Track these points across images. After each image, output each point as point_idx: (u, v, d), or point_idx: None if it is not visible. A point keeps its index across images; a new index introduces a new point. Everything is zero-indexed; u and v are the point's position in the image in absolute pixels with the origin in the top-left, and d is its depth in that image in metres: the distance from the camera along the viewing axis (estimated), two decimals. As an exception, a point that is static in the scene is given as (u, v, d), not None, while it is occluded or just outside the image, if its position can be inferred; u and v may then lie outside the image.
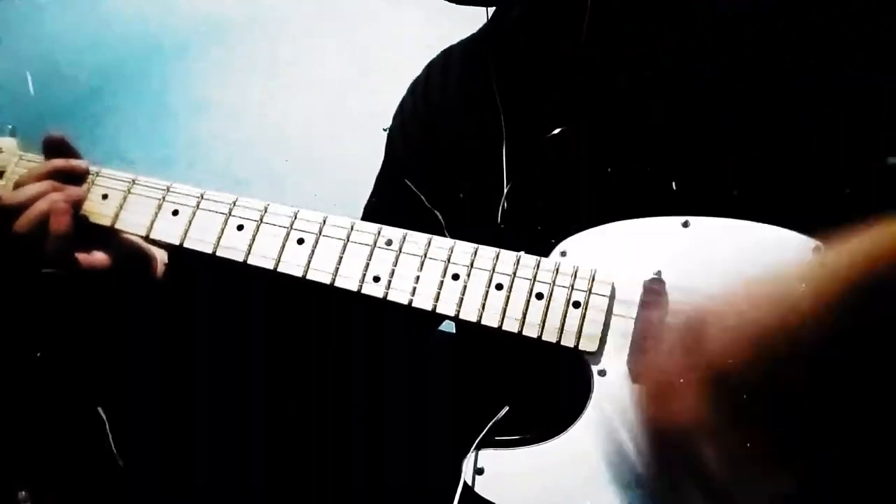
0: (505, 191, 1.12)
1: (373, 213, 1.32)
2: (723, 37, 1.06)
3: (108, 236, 1.15)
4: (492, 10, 1.23)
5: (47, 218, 1.08)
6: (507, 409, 1.04)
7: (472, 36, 1.32)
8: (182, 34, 2.38)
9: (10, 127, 1.19)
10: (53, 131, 1.16)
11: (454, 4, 1.20)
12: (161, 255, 1.22)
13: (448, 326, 1.26)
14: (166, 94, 2.37)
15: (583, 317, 1.02)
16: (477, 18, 1.30)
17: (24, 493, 1.48)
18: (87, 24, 2.41)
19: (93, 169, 1.15)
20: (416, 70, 1.39)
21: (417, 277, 1.06)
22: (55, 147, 1.15)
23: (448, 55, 1.35)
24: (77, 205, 1.11)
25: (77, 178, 1.14)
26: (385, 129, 1.40)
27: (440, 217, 1.21)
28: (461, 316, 1.04)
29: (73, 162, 1.14)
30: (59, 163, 1.13)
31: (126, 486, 1.39)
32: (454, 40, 1.35)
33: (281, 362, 1.33)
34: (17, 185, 1.12)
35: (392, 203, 1.31)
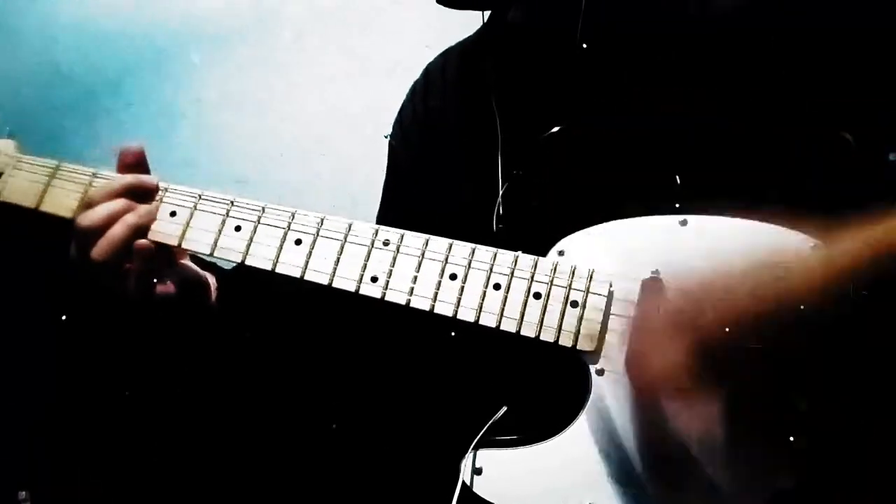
0: (500, 192, 1.12)
1: (383, 220, 1.31)
2: (720, 34, 1.06)
3: (167, 262, 1.12)
4: (487, 12, 1.23)
5: (127, 243, 1.05)
6: (505, 409, 1.04)
7: (470, 38, 1.32)
8: (182, 34, 2.38)
9: (7, 129, 1.19)
10: (132, 144, 1.13)
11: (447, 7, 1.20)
12: (212, 280, 1.20)
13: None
14: (165, 93, 2.37)
15: (580, 316, 1.01)
16: (475, 19, 1.30)
17: (24, 493, 1.49)
18: (87, 24, 2.41)
19: (162, 185, 1.13)
20: (416, 70, 1.39)
21: (415, 277, 1.06)
22: (132, 162, 1.12)
23: (446, 57, 1.35)
24: (150, 224, 1.08)
25: (148, 195, 1.11)
26: (386, 137, 1.40)
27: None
28: (459, 316, 1.04)
29: (145, 178, 1.11)
30: (130, 179, 1.10)
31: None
32: (453, 40, 1.35)
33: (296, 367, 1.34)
34: (89, 204, 1.08)
35: (400, 212, 1.31)
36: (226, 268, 1.16)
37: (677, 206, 1.02)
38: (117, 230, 1.05)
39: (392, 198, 1.38)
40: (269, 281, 1.08)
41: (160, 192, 1.12)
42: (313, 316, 1.23)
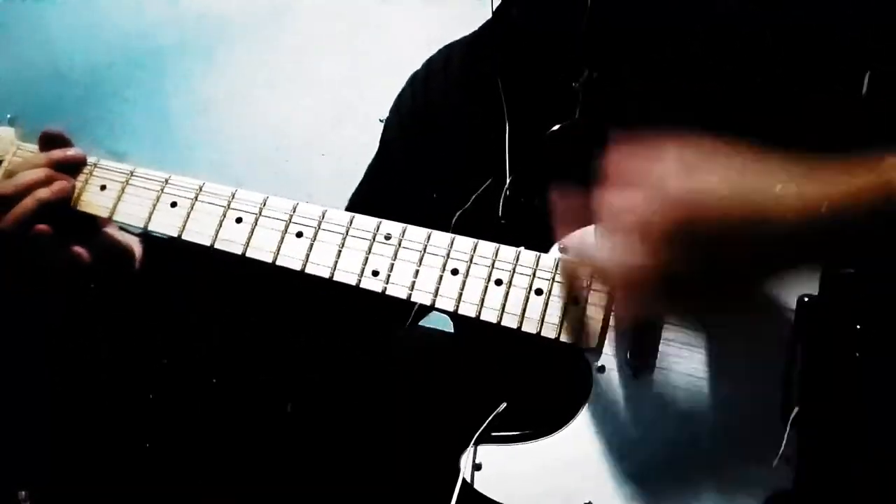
0: (506, 185, 1.11)
1: (361, 200, 1.32)
2: (724, 30, 1.06)
3: (89, 230, 1.13)
4: (496, 3, 1.23)
5: (33, 216, 1.06)
6: (505, 404, 1.03)
7: (474, 32, 1.32)
8: (181, 33, 2.38)
9: (8, 116, 1.19)
10: (52, 126, 1.14)
11: None
12: (137, 247, 1.21)
13: (446, 325, 1.26)
14: (165, 93, 2.37)
15: (582, 313, 1.01)
16: (475, 20, 1.31)
17: (24, 493, 1.48)
18: (87, 24, 2.41)
19: (91, 160, 1.14)
20: (414, 69, 1.39)
21: (417, 272, 1.05)
22: (52, 141, 1.14)
23: (449, 51, 1.35)
24: (65, 199, 1.09)
25: (74, 168, 1.13)
26: (381, 120, 1.40)
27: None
28: (460, 311, 1.03)
29: (71, 152, 1.13)
30: (56, 154, 1.12)
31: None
32: (454, 37, 1.35)
33: (265, 355, 1.33)
34: (10, 175, 1.10)
35: (381, 193, 1.31)
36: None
37: None
38: (27, 202, 1.06)
39: (374, 180, 1.37)
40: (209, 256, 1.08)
41: (89, 167, 1.13)
42: (304, 306, 1.22)
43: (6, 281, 1.18)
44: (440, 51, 1.36)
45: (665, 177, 0.86)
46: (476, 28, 1.31)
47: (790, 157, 0.86)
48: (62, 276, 1.12)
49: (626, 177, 0.88)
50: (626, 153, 0.89)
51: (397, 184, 1.30)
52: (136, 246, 1.21)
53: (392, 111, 1.38)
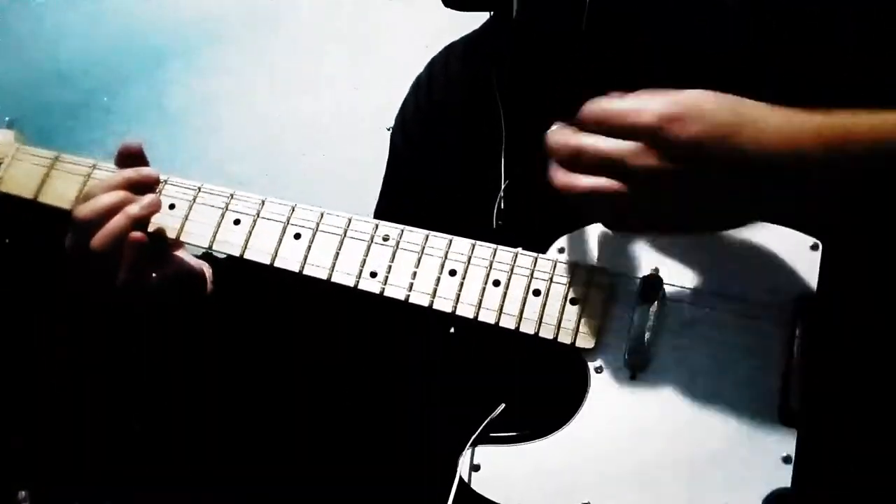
0: (502, 187, 1.11)
1: (381, 213, 1.32)
2: (723, 31, 1.06)
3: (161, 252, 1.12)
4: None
5: (126, 234, 1.03)
6: (503, 405, 1.04)
7: (473, 33, 1.32)
8: (182, 34, 2.38)
9: (7, 119, 1.19)
10: (130, 140, 1.12)
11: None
12: (208, 271, 1.20)
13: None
14: (165, 94, 2.37)
15: (580, 313, 1.01)
16: (475, 20, 1.30)
17: (24, 493, 1.48)
18: (87, 23, 2.41)
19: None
20: (416, 68, 1.39)
21: (414, 273, 1.05)
22: (130, 156, 1.11)
23: (449, 52, 1.35)
24: (155, 213, 1.08)
25: (148, 188, 1.10)
26: (388, 129, 1.40)
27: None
28: (458, 312, 1.03)
29: (145, 171, 1.11)
30: (130, 173, 1.09)
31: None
32: (454, 38, 1.35)
33: (293, 362, 1.33)
34: (87, 197, 1.07)
35: (399, 203, 1.31)
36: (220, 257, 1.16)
37: None
38: (119, 220, 1.04)
39: (391, 191, 1.38)
40: (265, 272, 1.07)
41: (160, 185, 1.12)
42: (310, 309, 1.22)
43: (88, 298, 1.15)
44: (441, 52, 1.36)
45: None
46: (476, 28, 1.31)
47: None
48: (142, 295, 1.09)
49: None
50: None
51: (411, 192, 1.30)
52: (206, 269, 1.20)
53: (397, 119, 1.38)
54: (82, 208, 1.06)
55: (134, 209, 1.06)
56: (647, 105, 0.85)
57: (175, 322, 1.17)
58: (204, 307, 1.17)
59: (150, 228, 1.09)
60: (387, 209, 1.33)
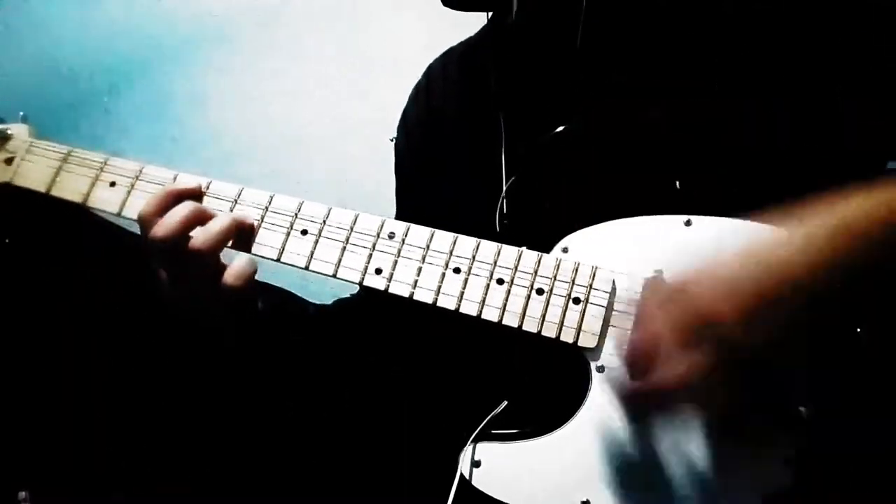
0: (504, 189, 1.12)
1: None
2: (720, 34, 1.07)
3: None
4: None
5: (230, 232, 1.04)
6: (505, 403, 1.04)
7: (471, 37, 1.34)
8: (182, 33, 2.39)
9: (21, 114, 1.21)
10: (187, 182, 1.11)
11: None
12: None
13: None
14: (166, 93, 2.38)
15: (583, 313, 1.02)
16: (475, 20, 1.31)
17: (24, 493, 1.48)
18: (87, 23, 2.43)
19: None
20: (416, 70, 1.40)
21: (419, 270, 1.06)
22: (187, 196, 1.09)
23: (447, 57, 1.36)
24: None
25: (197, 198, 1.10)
26: (391, 140, 1.41)
27: None
28: (462, 310, 1.04)
29: (186, 187, 1.09)
30: (177, 190, 1.08)
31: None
32: (453, 41, 1.36)
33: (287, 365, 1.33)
34: (144, 219, 1.05)
35: (412, 215, 1.31)
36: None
37: (682, 206, 1.02)
38: (224, 220, 1.04)
39: (402, 201, 1.39)
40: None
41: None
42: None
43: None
44: (438, 57, 1.37)
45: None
46: (474, 32, 1.33)
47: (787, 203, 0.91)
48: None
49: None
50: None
51: (419, 196, 1.31)
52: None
53: (399, 129, 1.39)
54: (159, 227, 1.03)
55: (236, 214, 1.07)
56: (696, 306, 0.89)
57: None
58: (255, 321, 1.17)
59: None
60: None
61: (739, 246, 0.94)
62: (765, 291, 0.88)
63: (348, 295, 1.29)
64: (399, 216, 1.35)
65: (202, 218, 1.05)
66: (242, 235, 1.07)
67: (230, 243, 1.07)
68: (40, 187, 1.17)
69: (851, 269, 0.90)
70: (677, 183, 1.04)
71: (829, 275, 0.89)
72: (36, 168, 1.18)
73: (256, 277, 1.06)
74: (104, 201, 1.14)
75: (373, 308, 1.23)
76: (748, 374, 0.92)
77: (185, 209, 1.04)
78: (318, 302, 1.28)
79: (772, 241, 0.96)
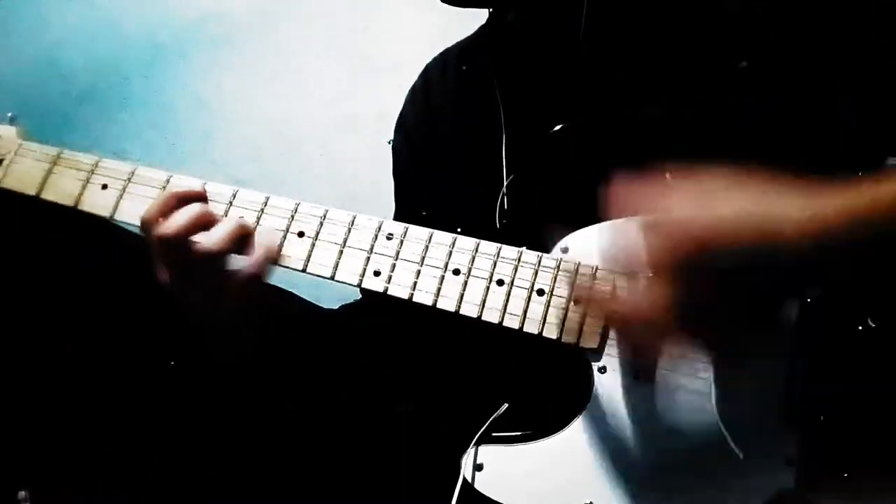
0: (504, 188, 1.12)
1: None
2: (721, 33, 1.06)
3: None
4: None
5: (236, 237, 1.03)
6: (506, 405, 1.03)
7: (469, 37, 1.32)
8: (181, 33, 2.38)
9: (9, 115, 1.18)
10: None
11: (451, 6, 1.20)
12: None
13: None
14: (165, 93, 2.37)
15: (584, 314, 1.01)
16: (475, 20, 1.30)
17: (24, 493, 1.48)
18: (87, 23, 2.41)
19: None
20: (416, 70, 1.38)
21: (418, 272, 1.05)
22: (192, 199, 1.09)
23: (445, 57, 1.35)
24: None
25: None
26: (389, 142, 1.40)
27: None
28: (462, 311, 1.03)
29: (190, 190, 1.08)
30: (181, 193, 1.07)
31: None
32: (453, 40, 1.35)
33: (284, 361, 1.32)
34: (148, 222, 1.04)
35: (410, 216, 1.30)
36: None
37: None
38: (230, 224, 1.04)
39: (401, 202, 1.37)
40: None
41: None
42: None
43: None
44: (435, 58, 1.36)
45: (675, 209, 0.87)
46: (472, 32, 1.31)
47: (801, 181, 0.87)
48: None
49: (633, 211, 0.89)
50: (632, 188, 0.90)
51: (418, 197, 1.29)
52: None
53: (397, 131, 1.38)
54: (164, 228, 1.03)
55: (242, 220, 1.06)
56: (673, 247, 0.87)
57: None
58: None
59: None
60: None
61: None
62: (746, 232, 0.85)
63: (352, 301, 1.28)
64: (397, 219, 1.34)
65: (208, 220, 1.04)
66: (248, 239, 1.06)
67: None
68: (31, 190, 1.15)
69: (848, 244, 0.86)
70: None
71: (816, 242, 0.85)
72: (25, 170, 1.15)
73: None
74: (96, 205, 1.12)
75: (373, 311, 1.22)
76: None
77: (191, 211, 1.03)
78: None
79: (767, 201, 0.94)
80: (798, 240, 0.84)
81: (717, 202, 0.88)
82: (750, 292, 0.88)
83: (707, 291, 0.87)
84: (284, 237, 1.08)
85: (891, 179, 0.87)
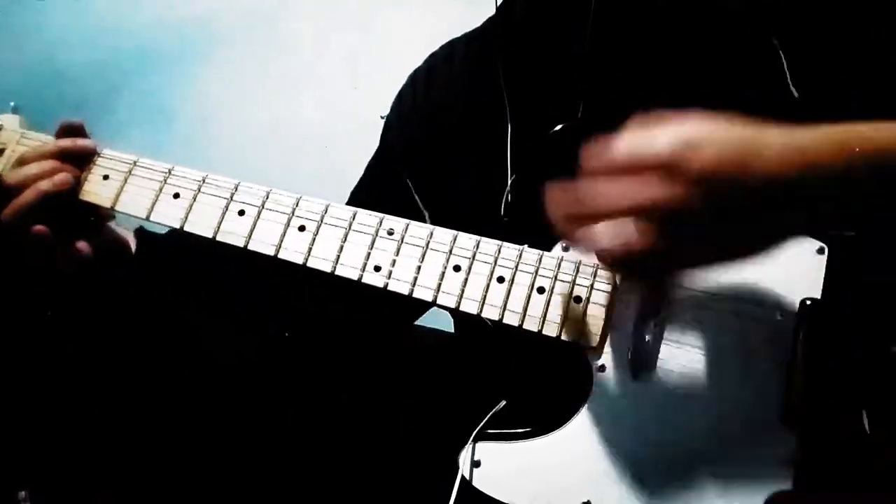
0: (509, 183, 1.11)
1: (361, 198, 1.31)
2: (727, 31, 1.07)
3: (89, 222, 1.13)
4: (499, 1, 1.24)
5: (35, 206, 1.05)
6: (504, 402, 1.03)
7: (477, 29, 1.33)
8: (181, 32, 2.38)
9: (12, 104, 1.18)
10: (72, 118, 1.14)
11: None
12: (132, 241, 1.21)
13: (447, 325, 1.26)
14: (164, 92, 2.37)
15: (584, 312, 1.01)
16: (475, 19, 1.31)
17: (24, 493, 1.47)
18: (87, 23, 2.41)
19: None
20: (416, 65, 1.39)
21: (419, 268, 1.05)
22: (71, 132, 1.13)
23: (452, 48, 1.35)
24: (67, 191, 1.08)
25: (82, 159, 1.12)
26: (382, 117, 1.40)
27: (427, 217, 1.21)
28: (462, 308, 1.03)
29: (80, 142, 1.12)
30: (65, 142, 1.11)
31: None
32: (456, 34, 1.35)
33: (270, 349, 1.32)
34: (21, 163, 1.09)
35: (381, 191, 1.31)
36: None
37: None
38: (28, 194, 1.05)
39: (375, 178, 1.37)
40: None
41: (96, 157, 1.13)
42: (312, 305, 1.22)
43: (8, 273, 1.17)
44: (442, 47, 1.36)
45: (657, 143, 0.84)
46: (479, 25, 1.32)
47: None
48: (64, 271, 1.11)
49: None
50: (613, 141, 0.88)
51: (398, 182, 1.30)
52: (131, 241, 1.21)
53: (393, 109, 1.38)
54: (11, 174, 1.07)
55: (44, 185, 1.06)
56: (653, 141, 0.83)
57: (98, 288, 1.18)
58: (126, 279, 1.19)
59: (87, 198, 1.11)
60: (367, 195, 1.32)
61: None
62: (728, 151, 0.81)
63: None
64: (361, 190, 1.34)
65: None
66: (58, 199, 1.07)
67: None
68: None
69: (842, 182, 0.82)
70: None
71: (800, 172, 0.81)
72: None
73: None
74: (97, 195, 1.12)
75: (368, 306, 1.21)
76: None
77: (39, 166, 1.07)
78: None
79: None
80: (778, 166, 0.81)
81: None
82: (735, 213, 0.83)
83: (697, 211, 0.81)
84: (285, 231, 1.08)
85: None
